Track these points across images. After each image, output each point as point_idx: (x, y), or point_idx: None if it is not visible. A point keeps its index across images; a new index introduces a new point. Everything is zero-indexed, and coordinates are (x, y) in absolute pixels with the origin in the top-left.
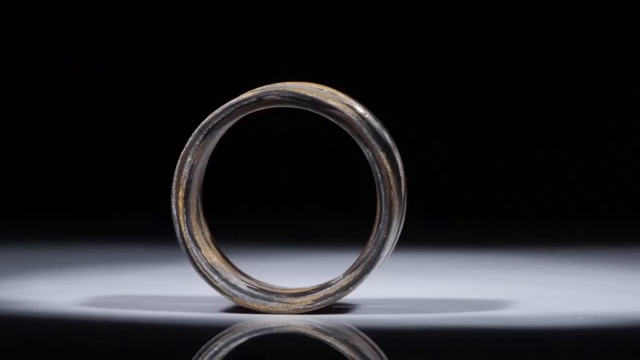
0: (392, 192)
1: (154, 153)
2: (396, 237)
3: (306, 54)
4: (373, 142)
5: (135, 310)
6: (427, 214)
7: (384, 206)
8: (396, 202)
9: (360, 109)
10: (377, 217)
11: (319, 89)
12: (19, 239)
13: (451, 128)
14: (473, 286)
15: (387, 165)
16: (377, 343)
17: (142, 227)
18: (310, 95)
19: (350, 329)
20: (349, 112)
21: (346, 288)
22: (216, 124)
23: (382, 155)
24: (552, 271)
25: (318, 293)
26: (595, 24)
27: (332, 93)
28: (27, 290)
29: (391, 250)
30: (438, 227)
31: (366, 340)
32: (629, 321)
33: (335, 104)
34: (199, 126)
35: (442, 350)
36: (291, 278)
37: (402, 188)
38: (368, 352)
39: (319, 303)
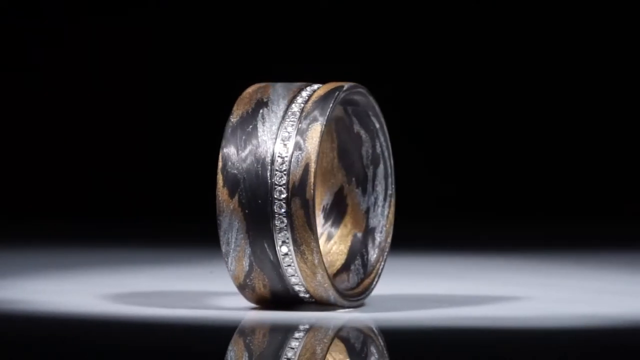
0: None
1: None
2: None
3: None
4: (225, 139)
5: (157, 309)
6: (435, 216)
7: None
8: (225, 208)
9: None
10: None
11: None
12: (31, 240)
13: (460, 129)
14: (476, 287)
15: (218, 164)
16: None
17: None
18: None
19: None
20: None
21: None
22: None
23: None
24: (557, 273)
25: None
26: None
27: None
28: (41, 289)
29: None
30: (445, 229)
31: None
32: (629, 322)
33: (245, 100)
34: None
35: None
36: None
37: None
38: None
39: None
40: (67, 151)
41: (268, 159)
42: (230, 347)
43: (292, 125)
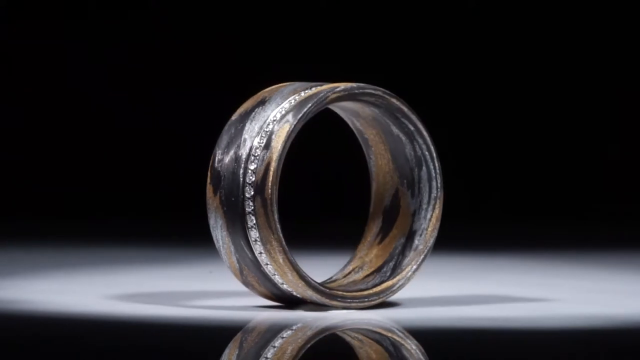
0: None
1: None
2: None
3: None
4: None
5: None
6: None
7: None
8: (210, 205)
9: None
10: None
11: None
12: (31, 240)
13: (462, 130)
14: (480, 287)
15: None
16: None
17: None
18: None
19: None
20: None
21: None
22: None
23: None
24: (561, 273)
25: None
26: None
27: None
28: (41, 289)
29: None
30: (450, 229)
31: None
32: (629, 322)
33: (253, 99)
34: None
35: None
36: None
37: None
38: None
39: None
40: (67, 151)
41: (244, 157)
42: (228, 346)
43: (273, 124)
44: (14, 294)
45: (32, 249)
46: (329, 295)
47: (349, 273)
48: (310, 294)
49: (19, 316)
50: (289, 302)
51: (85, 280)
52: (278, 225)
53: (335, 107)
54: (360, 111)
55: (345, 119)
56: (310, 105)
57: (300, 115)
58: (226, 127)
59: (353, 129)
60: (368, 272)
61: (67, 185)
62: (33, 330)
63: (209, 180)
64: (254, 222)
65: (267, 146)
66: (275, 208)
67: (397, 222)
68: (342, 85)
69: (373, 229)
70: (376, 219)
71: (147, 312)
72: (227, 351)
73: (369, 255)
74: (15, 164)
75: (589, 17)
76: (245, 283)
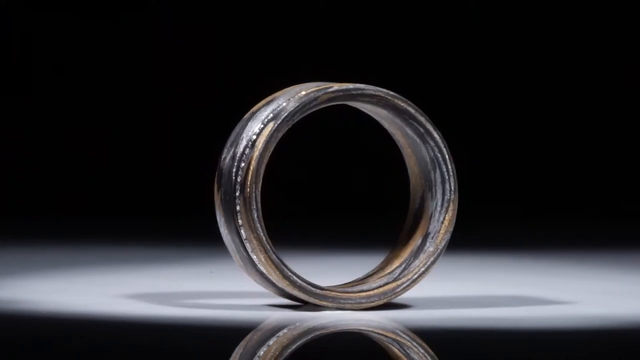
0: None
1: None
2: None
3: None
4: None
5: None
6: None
7: None
8: (215, 202)
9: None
10: None
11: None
12: (31, 240)
13: (463, 130)
14: (479, 287)
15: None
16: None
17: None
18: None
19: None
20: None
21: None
22: None
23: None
24: (561, 273)
25: None
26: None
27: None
28: (41, 289)
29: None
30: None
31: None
32: (629, 322)
33: (268, 99)
34: None
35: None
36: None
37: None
38: None
39: None
40: (67, 151)
41: (238, 156)
42: (239, 345)
43: (265, 123)
44: (14, 294)
45: (32, 249)
46: (319, 295)
47: (373, 274)
48: (296, 294)
49: (19, 316)
50: (295, 300)
51: (85, 280)
52: (258, 225)
53: (364, 109)
54: (379, 112)
55: (377, 120)
56: (297, 105)
57: (286, 115)
58: (236, 126)
59: (386, 130)
60: (384, 273)
61: (66, 185)
62: (33, 330)
63: (215, 178)
64: (241, 221)
65: (253, 145)
66: (254, 207)
67: (419, 224)
68: (336, 86)
69: (406, 230)
70: (409, 220)
71: (147, 312)
72: (236, 350)
73: (394, 256)
74: (15, 164)
75: (597, 9)
76: (255, 280)
